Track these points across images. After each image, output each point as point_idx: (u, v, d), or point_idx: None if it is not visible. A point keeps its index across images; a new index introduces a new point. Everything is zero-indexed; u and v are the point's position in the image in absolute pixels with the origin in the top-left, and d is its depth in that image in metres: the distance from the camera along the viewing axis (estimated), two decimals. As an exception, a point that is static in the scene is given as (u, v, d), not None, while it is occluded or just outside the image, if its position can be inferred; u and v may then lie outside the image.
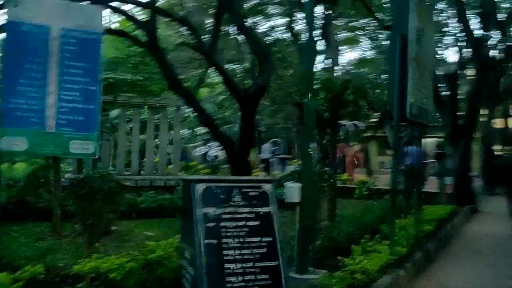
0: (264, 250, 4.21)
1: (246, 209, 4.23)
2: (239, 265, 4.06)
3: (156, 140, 16.49)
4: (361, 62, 26.50)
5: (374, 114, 21.76)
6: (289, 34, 20.60)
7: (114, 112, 16.15)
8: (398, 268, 5.77)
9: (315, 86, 9.07)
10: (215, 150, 22.38)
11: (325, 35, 18.81)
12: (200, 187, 4.12)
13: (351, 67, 26.83)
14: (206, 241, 4.01)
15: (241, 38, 17.70)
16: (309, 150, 5.47)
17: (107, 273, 4.21)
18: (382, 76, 21.78)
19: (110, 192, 4.96)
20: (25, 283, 4.57)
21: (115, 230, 7.97)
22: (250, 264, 4.11)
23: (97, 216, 4.83)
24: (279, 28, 21.88)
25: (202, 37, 12.54)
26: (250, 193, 4.30)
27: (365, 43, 25.00)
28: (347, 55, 46.88)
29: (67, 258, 5.15)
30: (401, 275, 5.68)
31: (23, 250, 5.63)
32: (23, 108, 5.77)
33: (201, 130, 24.56)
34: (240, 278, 4.03)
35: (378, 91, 20.68)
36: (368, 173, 21.39)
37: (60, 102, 5.91)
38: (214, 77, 21.36)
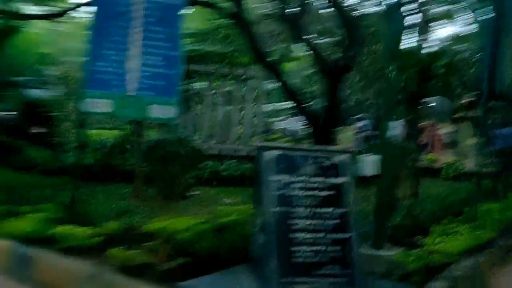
0: (336, 221, 4.12)
1: (319, 179, 4.15)
2: (309, 235, 4.01)
3: (242, 112, 16.62)
4: (457, 38, 25.16)
5: (468, 94, 20.69)
6: (381, 7, 19.92)
7: (201, 83, 16.44)
8: (480, 253, 5.46)
9: (403, 61, 8.69)
10: (299, 124, 22.27)
11: (419, 9, 17.97)
12: (272, 154, 4.07)
13: (446, 43, 25.56)
14: (276, 209, 3.98)
15: (329, 10, 17.32)
16: (388, 121, 5.23)
17: (178, 233, 4.29)
18: (478, 55, 20.57)
19: (187, 156, 5.00)
20: (102, 239, 4.80)
21: (194, 195, 8.13)
22: (321, 235, 4.04)
23: (172, 179, 4.91)
24: (371, 1, 21.20)
25: (290, 9, 12.38)
26: (324, 163, 4.20)
27: (462, 18, 23.70)
28: (442, 31, 44.71)
29: (143, 219, 5.30)
30: (483, 261, 5.36)
31: (103, 209, 5.89)
32: (107, 71, 5.96)
33: (286, 103, 24.47)
34: (310, 248, 3.98)
35: (473, 69, 19.60)
36: (458, 155, 20.47)
37: (141, 66, 6.04)
38: (301, 50, 21.12)
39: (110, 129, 15.07)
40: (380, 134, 5.81)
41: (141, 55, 6.05)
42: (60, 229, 4.83)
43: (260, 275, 4.01)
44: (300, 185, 4.11)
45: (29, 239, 4.94)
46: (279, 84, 11.83)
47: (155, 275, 4.08)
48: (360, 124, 24.46)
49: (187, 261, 4.18)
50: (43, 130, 9.28)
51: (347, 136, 22.51)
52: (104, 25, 5.99)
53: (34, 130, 9.18)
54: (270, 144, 4.42)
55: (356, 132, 23.26)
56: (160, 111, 6.05)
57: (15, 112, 9.47)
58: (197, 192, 8.27)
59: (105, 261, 4.43)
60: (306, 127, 14.88)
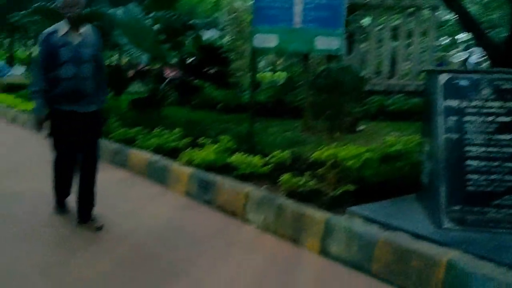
0: (516, 149, 3.81)
1: (497, 103, 3.81)
2: (483, 163, 3.77)
3: (410, 46, 15.89)
4: None
5: None
6: None
7: (366, 20, 15.97)
8: None
9: None
10: (477, 56, 20.71)
11: None
12: (443, 78, 3.84)
13: None
14: (447, 135, 3.80)
15: None
16: None
17: (345, 161, 4.35)
18: None
19: (352, 84, 4.97)
20: (273, 167, 5.09)
21: (362, 129, 8.10)
22: (497, 163, 3.77)
23: (339, 108, 4.94)
24: None
25: None
26: (503, 86, 3.83)
27: None
28: None
29: (311, 149, 5.45)
30: None
31: (274, 140, 6.17)
32: (273, 6, 6.11)
33: (462, 36, 22.79)
34: (484, 176, 3.75)
35: None
36: None
37: (306, -2, 6.09)
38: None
39: (277, 71, 15.52)
40: None
41: (305, -13, 6.07)
42: (237, 157, 5.22)
43: (430, 203, 3.92)
44: (475, 110, 3.83)
45: (210, 167, 5.43)
46: (453, 14, 10.98)
47: (324, 200, 4.22)
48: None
49: (355, 188, 4.24)
50: (218, 70, 9.84)
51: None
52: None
53: (211, 71, 9.76)
54: (442, 67, 4.16)
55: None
56: (325, 42, 6.05)
57: (194, 55, 10.12)
58: (364, 126, 8.22)
59: (276, 187, 4.69)
60: (485, 60, 13.78)
